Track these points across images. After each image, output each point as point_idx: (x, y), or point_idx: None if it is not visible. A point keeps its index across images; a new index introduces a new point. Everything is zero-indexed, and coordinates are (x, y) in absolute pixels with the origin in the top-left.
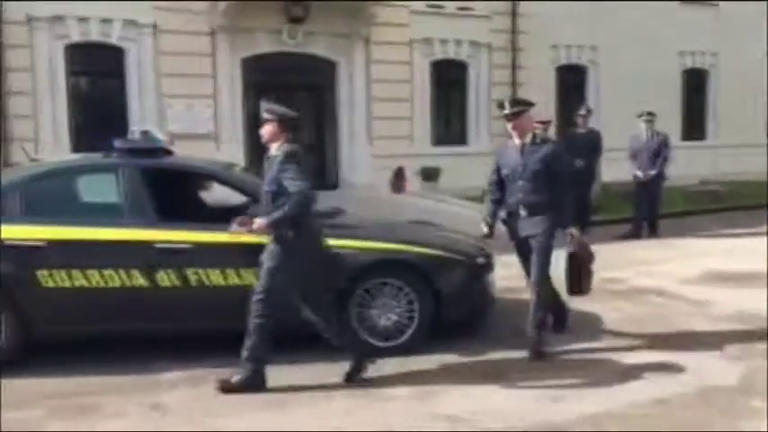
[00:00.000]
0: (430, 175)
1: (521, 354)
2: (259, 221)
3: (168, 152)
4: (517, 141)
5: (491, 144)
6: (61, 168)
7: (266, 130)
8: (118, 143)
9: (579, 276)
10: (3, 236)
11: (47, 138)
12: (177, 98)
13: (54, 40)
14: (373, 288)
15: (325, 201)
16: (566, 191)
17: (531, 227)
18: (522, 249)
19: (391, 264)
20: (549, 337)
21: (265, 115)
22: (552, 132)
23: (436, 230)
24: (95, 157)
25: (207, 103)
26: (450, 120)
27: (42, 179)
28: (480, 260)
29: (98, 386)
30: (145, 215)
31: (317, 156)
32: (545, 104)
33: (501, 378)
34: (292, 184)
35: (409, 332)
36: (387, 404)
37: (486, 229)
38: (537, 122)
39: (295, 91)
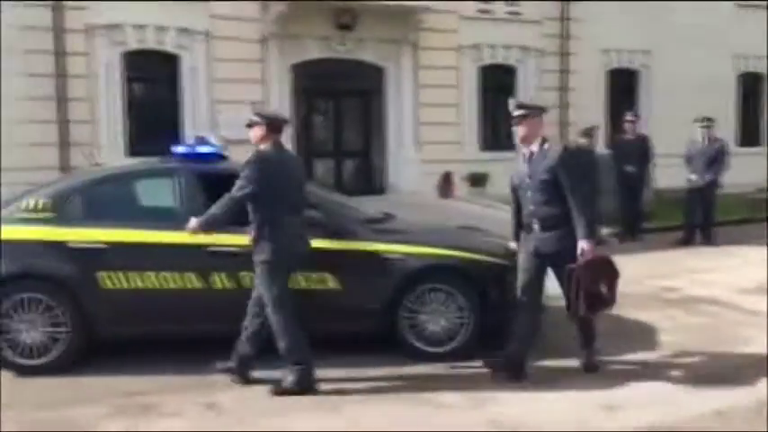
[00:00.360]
0: (477, 180)
1: (572, 362)
2: (192, 221)
3: (223, 157)
4: (525, 149)
5: None
6: (121, 173)
7: (254, 133)
8: (175, 149)
9: (577, 296)
10: (66, 238)
11: (104, 142)
12: (228, 104)
13: (112, 48)
14: (423, 293)
15: (371, 205)
16: (577, 201)
17: (548, 244)
18: (536, 264)
19: (441, 269)
20: (602, 345)
21: (254, 118)
22: (601, 139)
23: (486, 236)
24: (153, 162)
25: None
26: (498, 125)
27: (103, 183)
28: None
29: (157, 386)
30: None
31: (364, 161)
32: (595, 109)
33: (554, 386)
34: (234, 186)
35: (459, 338)
36: (437, 410)
37: (513, 245)
38: (581, 130)
39: (343, 96)
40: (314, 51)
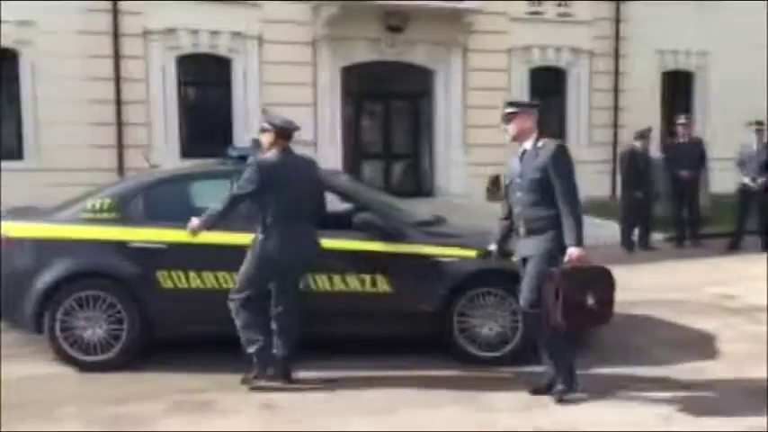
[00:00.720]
0: None
1: (630, 369)
2: (193, 221)
3: None
4: (519, 148)
5: (590, 152)
6: (181, 175)
7: (265, 139)
8: (230, 151)
9: (556, 307)
10: (128, 238)
11: (159, 144)
12: (279, 106)
13: (167, 52)
14: (476, 297)
15: (420, 208)
16: (568, 203)
17: (528, 247)
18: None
19: (495, 273)
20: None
21: (265, 125)
22: (655, 142)
23: None
24: (210, 164)
25: (307, 111)
26: (548, 128)
27: (164, 185)
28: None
29: (214, 384)
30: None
31: (412, 163)
32: (649, 112)
33: (609, 394)
34: (235, 186)
35: (513, 343)
36: (493, 414)
37: (492, 247)
38: (635, 132)
39: (392, 99)
40: (364, 54)
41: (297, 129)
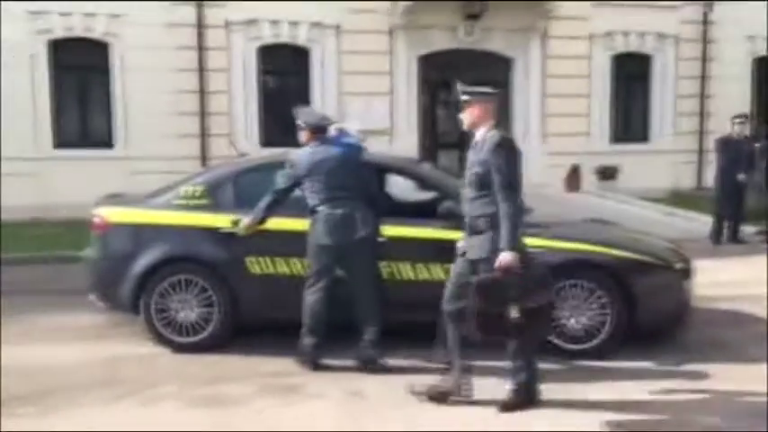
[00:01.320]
0: (607, 173)
1: (721, 366)
2: (244, 220)
3: (361, 148)
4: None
5: (675, 142)
6: (267, 163)
7: (301, 136)
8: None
9: (472, 318)
10: (217, 225)
11: (240, 133)
12: (356, 96)
13: (248, 42)
14: (563, 289)
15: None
16: (505, 201)
17: (475, 250)
18: (464, 267)
19: (584, 265)
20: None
21: (300, 124)
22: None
23: (630, 233)
24: None
25: (384, 100)
26: (630, 116)
27: (252, 172)
28: (679, 265)
29: (299, 368)
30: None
31: None
32: (739, 100)
33: (702, 391)
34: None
35: (601, 337)
36: (585, 412)
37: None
38: (734, 117)
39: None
40: (441, 42)
41: (330, 122)
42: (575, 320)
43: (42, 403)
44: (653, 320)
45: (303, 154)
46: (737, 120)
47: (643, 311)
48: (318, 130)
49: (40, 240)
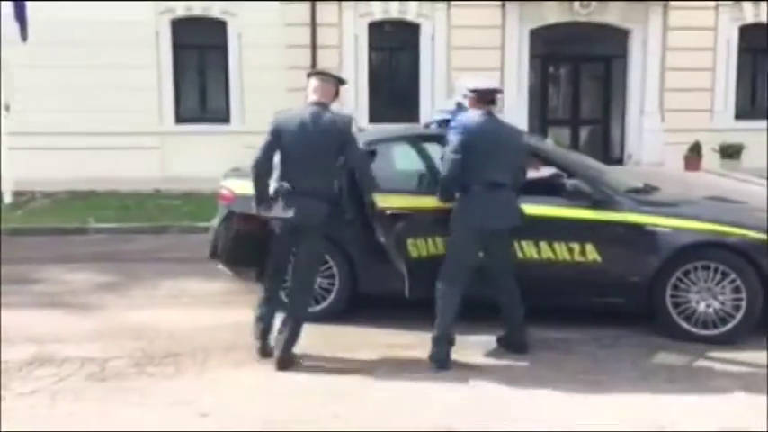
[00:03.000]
0: (730, 152)
1: None
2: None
3: None
4: None
5: None
6: (388, 137)
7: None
8: (436, 114)
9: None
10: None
11: (350, 108)
12: (465, 71)
13: (359, 18)
14: (693, 271)
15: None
16: None
17: None
18: None
19: (716, 246)
20: None
21: (465, 92)
22: None
23: (765, 214)
24: (416, 128)
25: (494, 75)
26: (757, 91)
27: (374, 146)
28: None
29: (417, 341)
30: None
31: (602, 129)
32: None
33: None
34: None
35: (734, 322)
36: (716, 397)
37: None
38: None
39: (582, 61)
40: (554, 15)
41: (498, 92)
42: (704, 304)
43: (173, 364)
44: None
45: (473, 120)
46: None
47: None
48: (487, 99)
49: (160, 211)
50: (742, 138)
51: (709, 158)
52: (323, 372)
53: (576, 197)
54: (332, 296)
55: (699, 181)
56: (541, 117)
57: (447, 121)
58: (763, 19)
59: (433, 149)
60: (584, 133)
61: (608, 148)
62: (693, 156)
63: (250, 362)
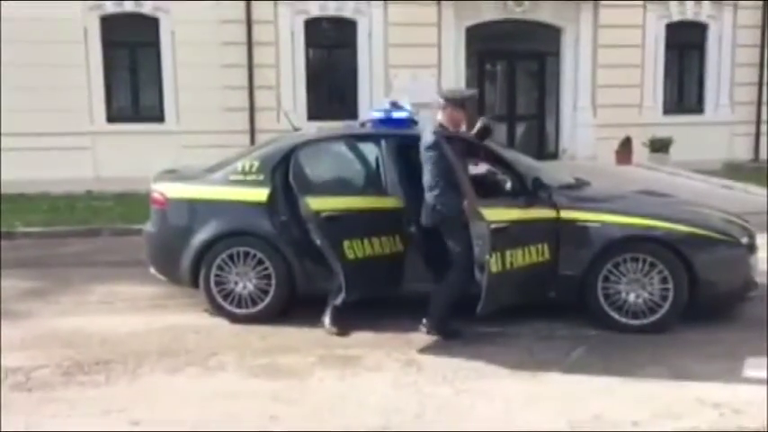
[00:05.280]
0: (659, 146)
1: None
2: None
3: (415, 122)
4: None
5: (732, 113)
6: (324, 137)
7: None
8: (371, 114)
9: None
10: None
11: (287, 107)
12: (403, 68)
13: (295, 15)
14: (623, 263)
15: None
16: None
17: None
18: None
19: (645, 239)
20: None
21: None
22: None
23: (692, 207)
24: (352, 128)
25: (431, 72)
26: (684, 86)
27: (307, 147)
28: (744, 240)
29: (355, 340)
30: (401, 184)
31: (537, 125)
32: None
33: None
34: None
35: (662, 312)
36: (640, 382)
37: None
38: None
39: (518, 59)
40: (489, 13)
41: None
42: (634, 295)
43: (104, 371)
44: (715, 296)
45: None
46: None
47: (705, 287)
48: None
49: (92, 213)
50: (670, 132)
51: (640, 152)
52: (260, 373)
53: (511, 195)
54: (269, 297)
55: (630, 175)
56: (480, 113)
57: (382, 121)
58: (688, 16)
59: (369, 149)
60: (520, 129)
61: (543, 144)
62: (624, 150)
63: (183, 367)
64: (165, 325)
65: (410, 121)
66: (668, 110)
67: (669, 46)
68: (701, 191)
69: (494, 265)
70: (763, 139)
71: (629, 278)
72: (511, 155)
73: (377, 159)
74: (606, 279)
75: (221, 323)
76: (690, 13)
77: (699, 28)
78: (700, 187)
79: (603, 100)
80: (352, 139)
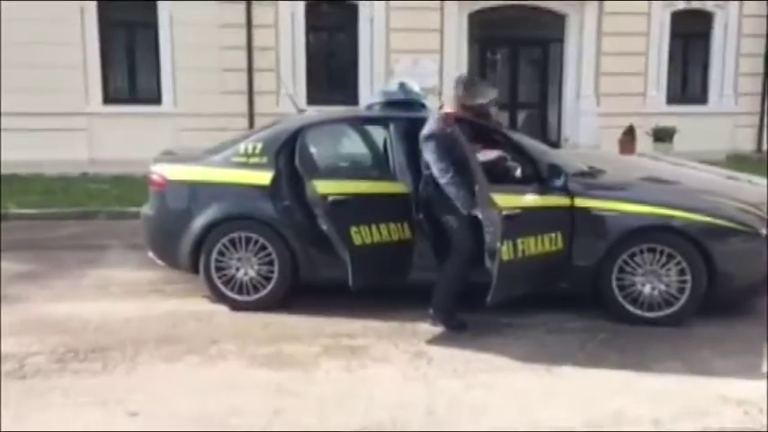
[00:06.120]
0: (663, 135)
1: None
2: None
3: (424, 106)
4: None
5: (736, 104)
6: (329, 119)
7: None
8: (380, 96)
9: None
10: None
11: (288, 90)
12: (405, 53)
13: None
14: (639, 254)
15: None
16: None
17: None
18: None
19: (662, 229)
20: None
21: None
22: None
23: (710, 196)
24: (357, 110)
25: (433, 58)
26: (689, 76)
27: (311, 129)
28: (763, 231)
29: (361, 329)
30: (410, 169)
31: (539, 113)
32: None
33: None
34: None
35: (678, 304)
36: (658, 378)
37: None
38: None
39: (520, 45)
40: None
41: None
42: (650, 287)
43: (101, 359)
44: (734, 288)
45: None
46: None
47: (723, 278)
48: None
49: (87, 195)
50: (674, 121)
51: (643, 142)
52: (263, 363)
53: (524, 182)
54: (271, 284)
55: (634, 163)
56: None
57: (390, 103)
58: (693, 5)
59: (377, 132)
60: (521, 117)
61: (545, 132)
62: (628, 139)
63: (183, 355)
64: (164, 311)
65: (419, 104)
66: (672, 99)
67: (674, 35)
68: (706, 181)
69: (505, 253)
70: (765, 131)
71: (646, 269)
72: (524, 140)
73: (384, 143)
74: (621, 270)
75: (221, 310)
76: (696, 2)
77: (704, 17)
78: (705, 178)
79: (607, 88)
80: (359, 122)
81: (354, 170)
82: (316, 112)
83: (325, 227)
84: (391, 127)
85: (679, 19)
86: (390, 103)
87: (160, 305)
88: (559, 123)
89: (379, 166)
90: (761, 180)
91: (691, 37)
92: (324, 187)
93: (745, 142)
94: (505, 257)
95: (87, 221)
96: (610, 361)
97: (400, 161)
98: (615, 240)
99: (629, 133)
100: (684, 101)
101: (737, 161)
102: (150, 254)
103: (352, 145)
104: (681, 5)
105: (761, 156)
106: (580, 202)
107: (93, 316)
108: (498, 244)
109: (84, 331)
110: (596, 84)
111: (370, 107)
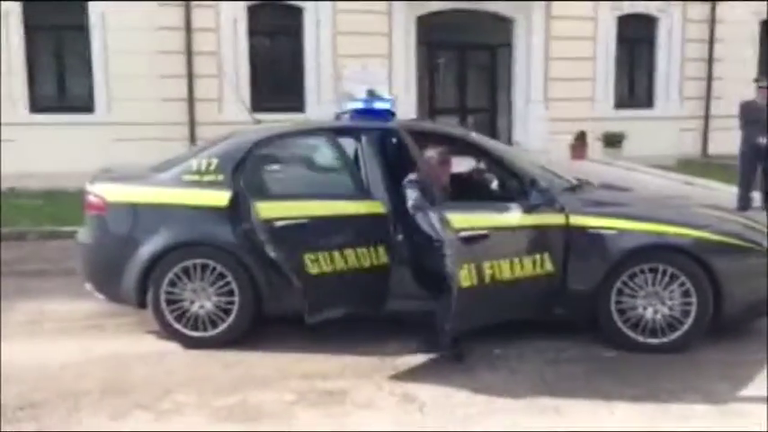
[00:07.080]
0: (613, 140)
1: None
2: None
3: (393, 114)
4: None
5: (682, 108)
6: (292, 131)
7: None
8: (348, 105)
9: None
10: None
11: (228, 97)
12: (352, 58)
13: (237, 0)
14: (640, 274)
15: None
16: None
17: None
18: None
19: (664, 248)
20: None
21: None
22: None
23: (710, 211)
24: (327, 121)
25: (381, 62)
26: (635, 80)
27: (274, 141)
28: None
29: (336, 367)
30: (386, 186)
31: (489, 118)
32: (747, 64)
33: None
34: None
35: (683, 329)
36: (687, 417)
37: None
38: (757, 81)
39: (469, 50)
40: (441, 2)
41: None
42: (652, 310)
43: (33, 418)
44: (740, 309)
45: None
46: (760, 84)
47: (730, 299)
48: None
49: (17, 213)
50: (622, 126)
51: (593, 147)
52: (227, 418)
53: (505, 198)
54: (231, 317)
55: (586, 170)
56: (429, 105)
57: (360, 112)
58: (638, 9)
59: (347, 145)
60: (470, 122)
61: (495, 137)
62: (579, 144)
63: (131, 410)
64: (106, 353)
65: (390, 113)
66: (619, 104)
67: (620, 39)
68: (662, 187)
69: (465, 279)
70: (710, 135)
71: (647, 291)
72: (503, 150)
73: (356, 157)
74: (620, 293)
75: (173, 349)
76: (640, 6)
77: (649, 22)
78: (660, 183)
79: (556, 93)
80: (327, 134)
81: (318, 189)
82: (277, 124)
83: (272, 254)
84: (363, 139)
85: (625, 23)
86: (361, 112)
87: (101, 345)
88: (509, 128)
89: (349, 183)
90: (720, 185)
91: (637, 42)
92: (269, 210)
93: (690, 146)
94: (465, 283)
95: (17, 242)
96: (623, 395)
97: (374, 176)
98: (616, 261)
99: (581, 138)
100: (632, 105)
101: (687, 165)
102: (88, 286)
103: (319, 159)
104: (626, 9)
105: (707, 160)
106: (575, 219)
107: (24, 361)
108: (455, 269)
109: (13, 382)
110: (545, 88)
111: (338, 117)
